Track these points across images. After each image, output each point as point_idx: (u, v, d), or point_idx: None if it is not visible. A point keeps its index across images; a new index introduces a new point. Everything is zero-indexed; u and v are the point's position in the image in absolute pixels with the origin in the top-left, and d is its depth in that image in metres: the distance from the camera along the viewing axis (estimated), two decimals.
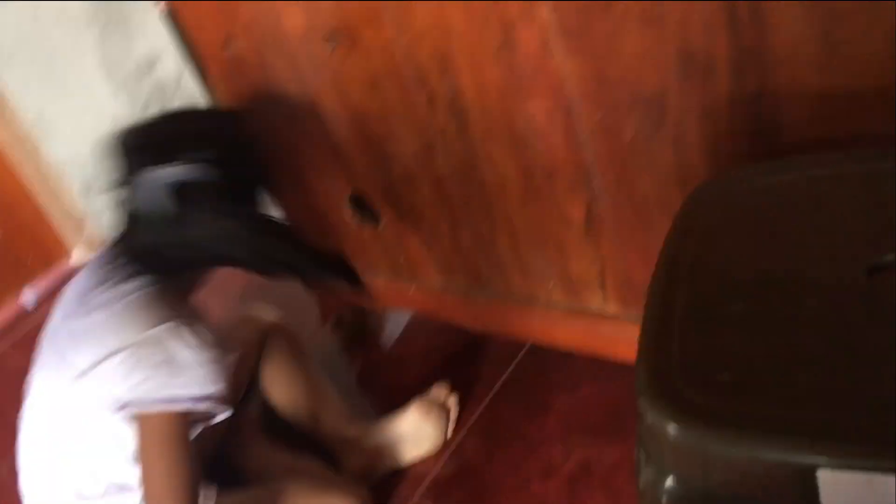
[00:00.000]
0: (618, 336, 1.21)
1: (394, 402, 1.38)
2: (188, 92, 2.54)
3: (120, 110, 2.37)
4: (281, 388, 1.32)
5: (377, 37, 1.13)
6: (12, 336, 2.24)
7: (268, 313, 1.34)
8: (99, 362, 0.96)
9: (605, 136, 1.02)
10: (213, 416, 1.00)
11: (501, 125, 1.11)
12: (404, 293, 1.49)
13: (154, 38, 2.42)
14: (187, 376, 0.96)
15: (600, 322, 1.23)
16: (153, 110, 2.40)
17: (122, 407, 0.96)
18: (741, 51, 0.84)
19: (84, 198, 2.33)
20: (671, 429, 0.55)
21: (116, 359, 0.95)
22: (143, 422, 0.96)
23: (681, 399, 0.56)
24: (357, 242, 1.49)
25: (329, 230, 1.52)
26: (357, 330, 1.68)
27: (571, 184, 1.11)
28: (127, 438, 0.98)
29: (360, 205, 1.43)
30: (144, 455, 0.97)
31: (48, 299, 2.36)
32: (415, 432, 1.33)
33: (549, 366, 1.40)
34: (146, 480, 0.97)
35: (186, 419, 0.97)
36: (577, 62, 0.97)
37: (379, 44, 1.14)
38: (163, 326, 0.96)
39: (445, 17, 1.04)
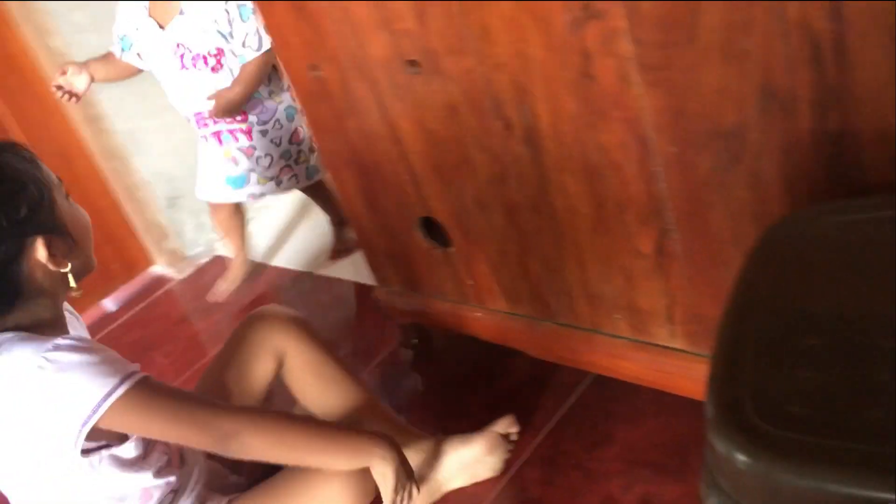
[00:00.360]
0: (684, 371, 1.20)
1: (456, 425, 1.39)
2: None
3: None
4: (316, 391, 1.33)
5: (458, 65, 1.16)
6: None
7: (281, 310, 1.35)
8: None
9: (679, 169, 1.03)
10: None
11: (575, 155, 1.12)
12: (470, 318, 1.50)
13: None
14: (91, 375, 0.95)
15: (666, 356, 1.22)
16: None
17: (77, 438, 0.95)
18: (824, 89, 0.84)
19: (167, 211, 2.42)
20: (740, 459, 0.55)
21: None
22: (110, 421, 0.96)
23: (751, 429, 0.56)
24: (425, 265, 1.52)
25: (398, 250, 1.55)
26: (422, 350, 1.70)
27: (643, 216, 1.11)
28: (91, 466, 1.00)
29: (431, 228, 1.45)
30: (149, 430, 1.00)
31: (129, 305, 2.46)
32: (476, 462, 1.33)
33: (613, 397, 1.39)
34: (177, 440, 1.02)
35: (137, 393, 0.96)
36: (654, 95, 0.98)
37: (459, 72, 1.17)
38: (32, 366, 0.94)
39: (525, 48, 1.06)
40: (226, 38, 1.92)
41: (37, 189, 1.00)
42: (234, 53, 1.94)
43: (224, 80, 1.96)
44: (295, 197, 2.71)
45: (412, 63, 1.22)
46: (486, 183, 1.28)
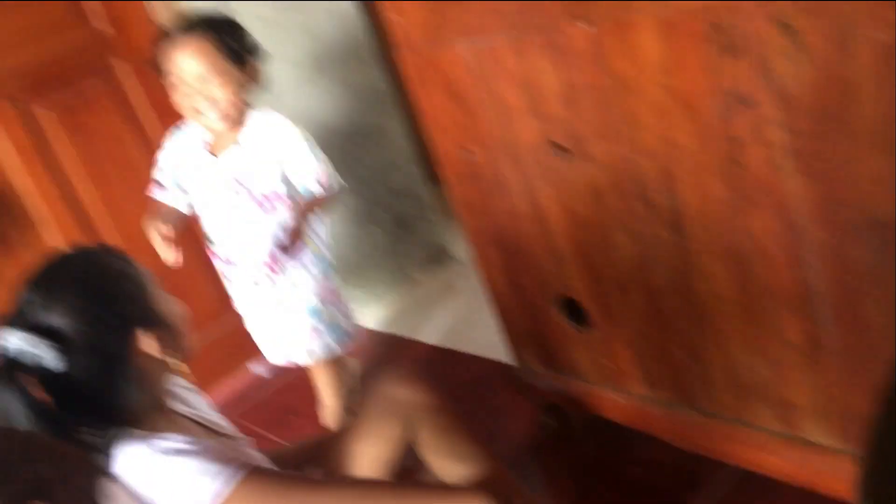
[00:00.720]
0: (833, 470, 1.14)
1: None
2: (417, 194, 2.75)
3: (358, 207, 2.61)
4: (449, 462, 1.30)
5: (605, 150, 1.20)
6: (241, 402, 2.45)
7: (411, 392, 1.33)
8: None
9: (832, 258, 1.00)
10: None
11: (722, 241, 1.12)
12: (608, 400, 1.49)
13: (396, 146, 2.68)
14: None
15: (815, 453, 1.16)
16: (390, 213, 2.61)
17: None
18: None
19: None
20: None
21: None
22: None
23: None
24: (564, 345, 1.53)
25: (538, 329, 1.57)
26: (559, 431, 1.69)
27: (793, 305, 1.09)
28: None
29: (570, 307, 1.47)
30: None
31: (277, 371, 2.58)
32: None
33: (755, 492, 1.33)
34: None
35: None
36: (806, 183, 0.97)
37: (606, 156, 1.20)
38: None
39: (674, 135, 1.08)
40: (287, 182, 1.67)
41: (135, 285, 1.09)
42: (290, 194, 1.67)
43: (274, 222, 1.68)
44: (438, 275, 2.79)
45: (559, 147, 1.27)
46: (628, 265, 1.29)
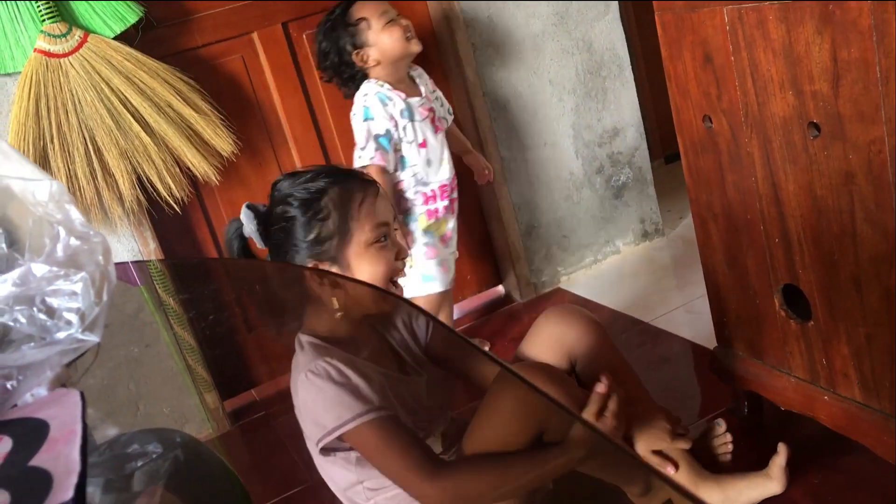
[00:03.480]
0: None
1: None
2: (637, 165, 2.72)
3: (576, 169, 2.63)
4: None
5: (865, 133, 1.13)
6: None
7: (578, 310, 1.48)
8: None
9: None
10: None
11: None
12: (815, 399, 1.42)
13: (623, 113, 2.65)
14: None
15: None
16: (603, 175, 2.62)
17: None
18: None
19: (523, 238, 2.61)
20: None
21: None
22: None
23: None
24: (777, 335, 1.47)
25: (750, 314, 1.52)
26: (751, 421, 1.64)
27: None
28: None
29: (791, 297, 1.41)
30: (375, 464, 1.08)
31: (471, 316, 2.69)
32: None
33: None
34: (393, 480, 1.06)
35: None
36: None
37: (865, 141, 1.14)
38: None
39: None
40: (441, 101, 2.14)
41: (343, 224, 1.22)
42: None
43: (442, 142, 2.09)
44: (644, 249, 2.76)
45: (814, 125, 1.21)
46: (868, 261, 1.21)
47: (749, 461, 1.50)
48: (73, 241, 0.49)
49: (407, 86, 2.07)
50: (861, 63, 1.10)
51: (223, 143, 2.06)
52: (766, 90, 1.28)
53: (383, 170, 1.98)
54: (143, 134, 1.98)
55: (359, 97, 2.03)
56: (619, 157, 2.69)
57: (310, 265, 1.21)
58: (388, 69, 2.02)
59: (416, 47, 2.02)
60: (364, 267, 1.23)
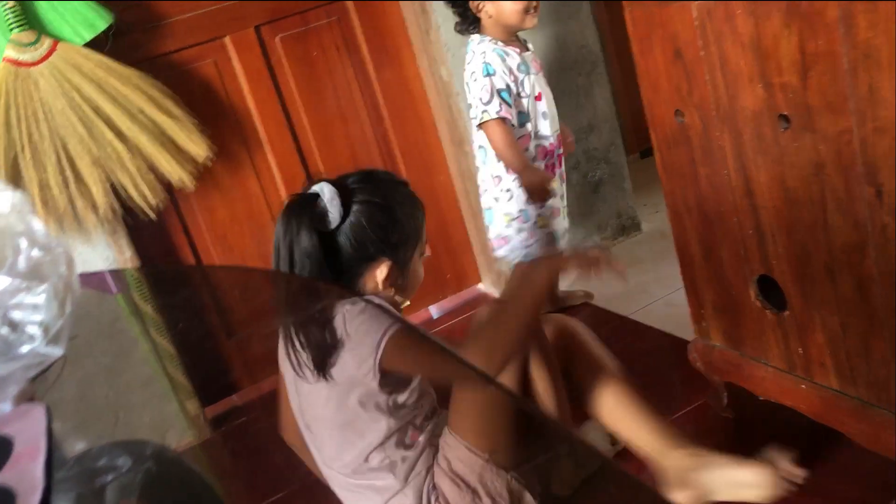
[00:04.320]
0: None
1: None
2: (612, 160, 2.73)
3: None
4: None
5: (834, 124, 1.14)
6: None
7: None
8: None
9: None
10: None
11: None
12: (792, 388, 1.44)
13: (597, 110, 2.66)
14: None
15: None
16: (580, 171, 2.63)
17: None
18: None
19: None
20: None
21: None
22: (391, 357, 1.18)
23: None
24: (753, 325, 1.48)
25: (727, 305, 1.53)
26: (730, 412, 1.64)
27: None
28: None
29: (766, 287, 1.42)
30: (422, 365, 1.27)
31: (450, 315, 2.69)
32: (743, 486, 1.30)
33: None
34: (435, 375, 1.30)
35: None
36: None
37: (834, 132, 1.15)
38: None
39: None
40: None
41: (414, 233, 1.30)
42: None
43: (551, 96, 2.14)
44: (621, 243, 2.77)
45: (783, 118, 1.22)
46: (840, 249, 1.23)
47: (728, 452, 1.51)
48: (36, 253, 0.48)
49: (517, 42, 2.09)
50: (828, 55, 1.11)
51: (197, 148, 2.04)
52: (736, 83, 1.29)
53: (508, 122, 2.01)
54: (116, 141, 1.96)
55: (476, 54, 2.04)
56: (594, 153, 2.69)
57: (384, 264, 1.28)
58: (498, 29, 2.04)
59: (530, 23, 2.02)
60: (419, 273, 1.34)
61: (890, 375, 1.23)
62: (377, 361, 1.17)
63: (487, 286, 2.75)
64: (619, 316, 2.32)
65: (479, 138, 2.12)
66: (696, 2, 1.29)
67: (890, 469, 1.32)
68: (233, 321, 2.38)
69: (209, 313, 2.33)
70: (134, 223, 2.11)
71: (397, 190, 1.31)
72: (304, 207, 1.24)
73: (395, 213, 1.28)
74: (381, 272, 1.27)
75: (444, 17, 2.38)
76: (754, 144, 1.30)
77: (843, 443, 1.35)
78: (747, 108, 1.28)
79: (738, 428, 1.65)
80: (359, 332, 1.18)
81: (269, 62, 2.31)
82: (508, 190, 2.11)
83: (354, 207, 1.26)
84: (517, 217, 2.13)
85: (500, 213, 2.14)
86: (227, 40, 2.25)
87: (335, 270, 1.26)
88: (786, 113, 1.21)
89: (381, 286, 1.28)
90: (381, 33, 2.46)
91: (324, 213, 1.23)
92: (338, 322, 1.18)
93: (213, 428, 2.22)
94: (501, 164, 2.08)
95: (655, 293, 2.36)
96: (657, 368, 2.02)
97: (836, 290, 1.27)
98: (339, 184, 1.27)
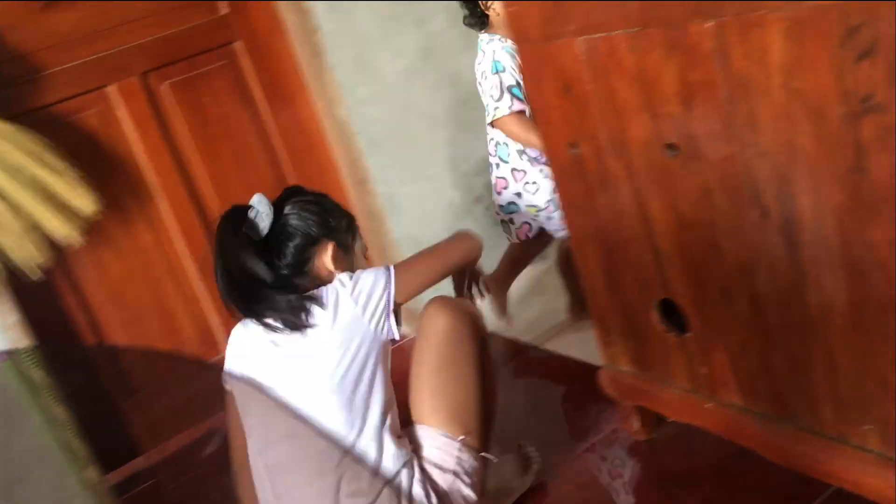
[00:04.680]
0: None
1: None
2: None
3: (456, 200, 2.64)
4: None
5: (719, 151, 1.18)
6: None
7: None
8: None
9: None
10: None
11: (836, 251, 1.09)
12: (699, 408, 1.46)
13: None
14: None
15: None
16: (482, 204, 2.65)
17: None
18: None
19: None
20: None
21: None
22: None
23: None
24: (659, 348, 1.51)
25: (632, 330, 1.55)
26: (644, 435, 1.66)
27: None
28: None
29: (669, 311, 1.45)
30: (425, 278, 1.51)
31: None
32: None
33: None
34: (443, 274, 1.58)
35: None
36: None
37: (720, 157, 1.18)
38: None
39: (794, 138, 1.06)
40: None
41: (350, 222, 1.53)
42: None
43: None
44: (529, 272, 2.80)
45: (671, 146, 1.25)
46: (733, 271, 1.26)
47: (643, 474, 1.53)
48: None
49: None
50: (708, 84, 1.15)
51: (84, 202, 1.95)
52: (625, 114, 1.32)
53: (524, 114, 2.01)
54: None
55: (487, 53, 2.05)
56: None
57: (329, 245, 1.45)
58: (507, 27, 2.01)
59: None
60: (363, 264, 1.54)
61: (790, 390, 1.27)
62: (390, 297, 1.40)
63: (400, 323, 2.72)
64: (532, 346, 2.33)
65: (496, 135, 2.14)
66: (581, 37, 1.32)
67: (797, 482, 1.36)
68: (131, 380, 2.27)
69: (104, 374, 2.22)
70: (20, 286, 1.99)
71: (324, 195, 1.51)
72: (232, 219, 1.39)
73: (326, 205, 1.48)
74: (327, 254, 1.44)
75: (338, 59, 2.37)
76: (646, 173, 1.33)
77: (753, 459, 1.38)
78: (637, 137, 1.31)
79: (652, 451, 1.67)
80: (366, 282, 1.39)
81: (158, 109, 2.25)
82: (534, 182, 2.13)
83: (288, 207, 1.44)
84: (545, 208, 2.14)
85: (524, 206, 2.18)
86: (112, 89, 2.17)
87: (283, 267, 1.41)
88: (673, 141, 1.25)
89: (331, 267, 1.44)
90: (274, 76, 2.43)
91: (255, 221, 1.39)
92: (334, 287, 1.38)
93: (116, 495, 2.10)
94: (524, 159, 2.11)
95: (566, 321, 2.38)
96: (571, 396, 2.04)
97: (732, 310, 1.30)
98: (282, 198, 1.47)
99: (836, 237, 1.08)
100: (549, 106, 1.47)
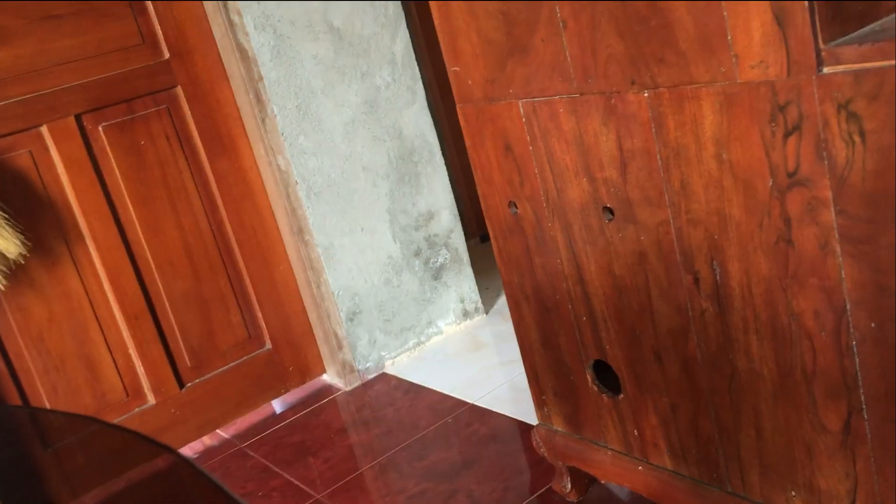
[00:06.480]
0: None
1: None
2: (453, 246, 2.78)
3: (395, 253, 2.64)
4: None
5: (652, 216, 1.21)
6: (256, 437, 2.46)
7: None
8: None
9: (876, 346, 0.99)
10: None
11: (764, 318, 1.12)
12: (631, 470, 1.47)
13: (437, 197, 2.71)
14: None
15: None
16: (421, 258, 2.65)
17: None
18: None
19: (345, 325, 2.57)
20: None
21: None
22: None
23: None
24: (592, 409, 1.51)
25: (566, 390, 1.56)
26: (577, 496, 1.66)
27: (832, 390, 1.07)
28: None
29: (603, 372, 1.46)
30: None
31: (295, 409, 2.59)
32: None
33: None
34: None
35: None
36: (855, 267, 0.97)
37: (653, 223, 1.21)
38: None
39: (724, 207, 1.09)
40: None
41: None
42: None
43: None
44: (465, 328, 2.79)
45: (608, 210, 1.28)
46: (665, 334, 1.28)
47: None
48: None
49: None
50: (643, 152, 1.18)
51: (9, 245, 1.88)
52: (564, 177, 1.34)
53: None
54: None
55: None
56: (435, 239, 2.73)
57: None
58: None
59: None
60: None
61: (718, 454, 1.29)
62: None
63: (332, 377, 2.68)
64: (465, 402, 2.32)
65: None
66: (523, 100, 1.35)
67: None
68: (49, 429, 2.17)
69: (21, 425, 2.10)
70: None
71: None
72: None
73: None
74: None
75: (280, 107, 2.37)
76: (583, 235, 1.35)
77: None
78: (575, 200, 1.34)
79: None
80: None
81: (92, 152, 2.19)
82: None
83: None
84: None
85: None
86: (45, 129, 2.12)
87: None
88: (609, 205, 1.27)
89: None
90: (214, 122, 2.41)
91: None
92: None
93: None
94: None
95: (499, 378, 2.38)
96: (504, 454, 2.02)
97: (664, 373, 1.32)
98: None
99: (764, 305, 1.11)
100: (491, 165, 1.49)
